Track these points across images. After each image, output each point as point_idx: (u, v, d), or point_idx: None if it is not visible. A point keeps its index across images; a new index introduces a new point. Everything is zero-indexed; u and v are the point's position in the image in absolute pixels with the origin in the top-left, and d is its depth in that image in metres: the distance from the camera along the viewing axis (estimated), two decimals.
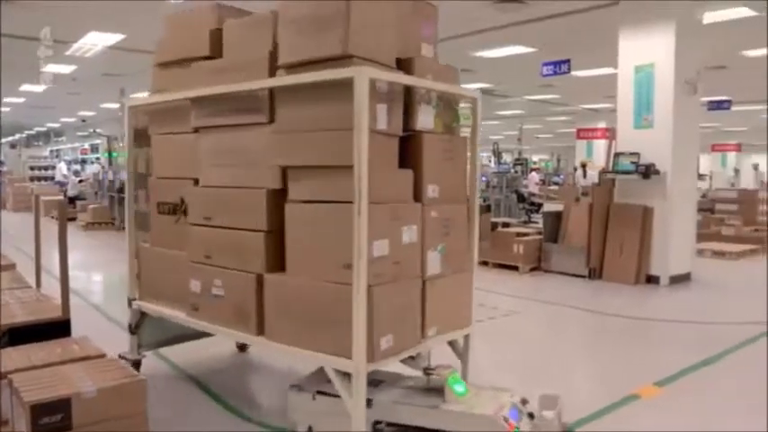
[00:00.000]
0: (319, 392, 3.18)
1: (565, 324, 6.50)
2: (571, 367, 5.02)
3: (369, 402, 3.01)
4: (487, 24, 9.83)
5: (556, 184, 22.13)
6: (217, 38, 3.69)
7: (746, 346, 5.46)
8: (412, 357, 3.30)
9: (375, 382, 3.17)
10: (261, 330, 3.36)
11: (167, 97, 3.94)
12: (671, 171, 7.98)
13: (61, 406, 2.62)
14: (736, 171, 32.09)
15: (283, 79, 3.20)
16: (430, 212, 3.29)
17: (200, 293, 3.64)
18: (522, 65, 13.02)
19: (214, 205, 3.63)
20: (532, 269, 9.07)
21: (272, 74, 3.29)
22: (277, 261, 3.32)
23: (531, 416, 3.06)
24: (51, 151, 34.50)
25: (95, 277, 8.91)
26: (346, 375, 2.95)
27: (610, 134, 18.29)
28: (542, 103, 20.69)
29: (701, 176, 12.92)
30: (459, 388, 3.10)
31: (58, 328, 3.69)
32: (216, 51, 3.69)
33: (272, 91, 3.31)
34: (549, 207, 9.99)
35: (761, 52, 11.53)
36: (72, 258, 3.98)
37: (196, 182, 3.79)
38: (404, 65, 3.26)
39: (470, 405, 3.05)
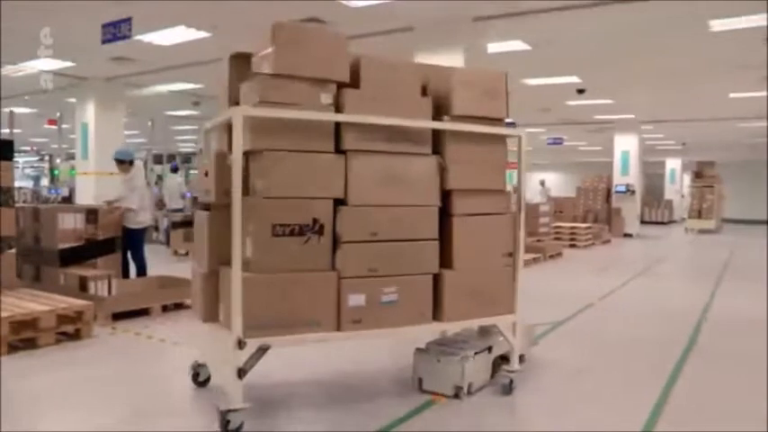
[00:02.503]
0: (503, 358, 4.76)
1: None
2: (379, 379, 5.14)
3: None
4: None
5: None
6: (355, 67, 4.06)
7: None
8: None
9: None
10: (438, 316, 4.30)
11: (319, 116, 3.91)
12: None
13: None
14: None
15: (476, 127, 4.42)
16: None
17: (366, 305, 3.99)
18: None
19: (380, 222, 4.07)
20: None
21: (435, 116, 4.31)
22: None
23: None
24: None
25: None
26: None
27: None
28: None
29: None
30: None
31: None
32: (354, 79, 4.05)
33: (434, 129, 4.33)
34: None
35: (537, 81, 12.79)
36: None
37: (336, 201, 3.95)
38: None
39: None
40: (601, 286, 9.61)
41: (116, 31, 7.74)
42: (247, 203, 3.68)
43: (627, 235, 20.07)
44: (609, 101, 15.68)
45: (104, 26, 7.84)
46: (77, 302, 5.97)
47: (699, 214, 23.51)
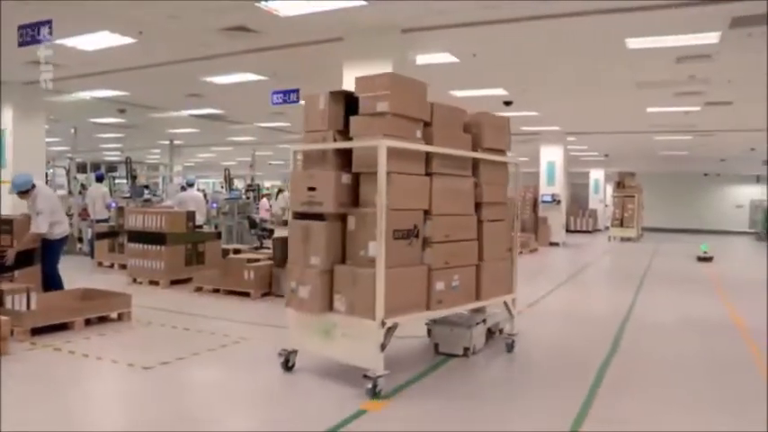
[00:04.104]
0: (490, 330, 6.54)
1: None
2: (304, 387, 5.13)
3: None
4: (218, 51, 9.76)
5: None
6: (431, 111, 5.47)
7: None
8: None
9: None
10: (478, 297, 5.88)
11: (432, 149, 5.37)
12: None
13: None
14: None
15: (497, 157, 6.29)
16: None
17: (444, 290, 5.39)
18: (253, 92, 13.04)
19: (450, 227, 5.51)
20: (264, 294, 9.07)
21: (473, 148, 5.91)
22: None
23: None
24: None
25: None
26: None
27: None
28: (273, 130, 20.97)
29: None
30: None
31: None
32: (430, 119, 5.45)
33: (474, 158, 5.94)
34: (280, 232, 10.07)
35: (464, 93, 13.02)
36: None
37: (425, 212, 5.29)
38: None
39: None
40: (529, 294, 9.82)
41: (35, 33, 7.41)
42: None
43: (553, 243, 20.62)
44: (535, 113, 16.09)
45: (21, 27, 7.48)
46: None
47: (621, 223, 24.45)
